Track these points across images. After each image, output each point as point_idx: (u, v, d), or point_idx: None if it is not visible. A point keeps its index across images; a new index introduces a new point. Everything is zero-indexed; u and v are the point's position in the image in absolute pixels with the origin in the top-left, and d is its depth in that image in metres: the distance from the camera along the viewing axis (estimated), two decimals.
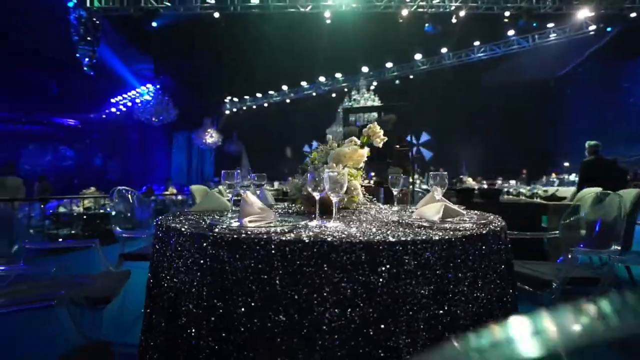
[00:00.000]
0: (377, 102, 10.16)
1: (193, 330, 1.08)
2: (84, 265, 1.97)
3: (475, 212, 1.83)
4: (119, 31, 12.51)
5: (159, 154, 21.91)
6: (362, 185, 1.79)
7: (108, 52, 15.52)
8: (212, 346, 1.04)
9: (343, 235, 1.05)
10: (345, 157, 1.83)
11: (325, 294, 0.96)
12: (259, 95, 17.66)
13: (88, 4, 9.35)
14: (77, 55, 13.67)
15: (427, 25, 9.11)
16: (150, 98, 18.75)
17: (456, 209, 1.43)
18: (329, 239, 1.00)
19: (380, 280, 0.98)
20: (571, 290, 1.65)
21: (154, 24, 9.04)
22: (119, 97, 20.21)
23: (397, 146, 4.11)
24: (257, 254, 1.01)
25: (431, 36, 9.76)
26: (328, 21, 9.15)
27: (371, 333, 0.97)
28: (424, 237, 1.05)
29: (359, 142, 2.00)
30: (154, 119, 13.71)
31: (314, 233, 1.09)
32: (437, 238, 1.05)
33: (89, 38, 12.92)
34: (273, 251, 1.00)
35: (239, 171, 1.59)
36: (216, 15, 8.76)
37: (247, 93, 17.89)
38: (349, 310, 0.96)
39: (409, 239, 1.02)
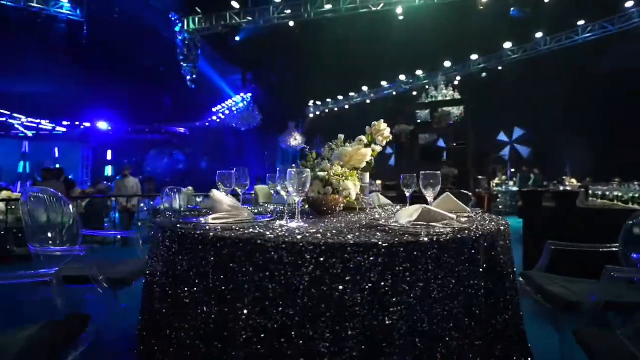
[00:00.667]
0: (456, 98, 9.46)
1: (157, 315, 1.19)
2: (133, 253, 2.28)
3: (486, 215, 1.60)
4: (212, 47, 13.94)
5: (253, 156, 23.88)
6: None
7: (207, 67, 17.47)
8: (169, 334, 1.12)
9: (271, 236, 1.03)
10: (346, 157, 1.77)
11: (247, 292, 0.97)
12: (340, 97, 17.94)
13: (186, 27, 10.64)
14: (182, 72, 15.74)
15: (512, 9, 8.13)
16: (242, 105, 20.63)
17: (443, 212, 1.28)
18: (255, 238, 1.00)
19: (303, 282, 0.95)
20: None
21: (237, 38, 9.93)
22: (219, 107, 22.47)
23: (455, 144, 3.79)
24: (197, 249, 1.07)
25: (520, 21, 8.68)
26: (400, 17, 8.84)
27: (293, 335, 0.94)
28: (358, 241, 0.97)
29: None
30: (239, 123, 14.98)
31: (253, 232, 1.10)
32: (376, 242, 0.97)
33: (190, 57, 14.79)
34: (208, 247, 1.04)
35: (233, 172, 1.68)
36: (291, 24, 9.21)
37: (329, 96, 18.31)
38: (270, 310, 0.95)
39: (336, 241, 0.96)
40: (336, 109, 18.20)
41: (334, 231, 1.14)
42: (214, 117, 23.69)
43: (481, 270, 1.10)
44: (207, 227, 1.18)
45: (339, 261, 0.95)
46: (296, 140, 17.92)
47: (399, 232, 1.12)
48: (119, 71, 17.88)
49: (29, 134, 20.92)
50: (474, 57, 12.68)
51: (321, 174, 1.59)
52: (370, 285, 0.95)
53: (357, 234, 1.10)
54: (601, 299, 1.31)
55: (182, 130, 24.74)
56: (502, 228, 1.28)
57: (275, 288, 0.95)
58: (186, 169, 24.15)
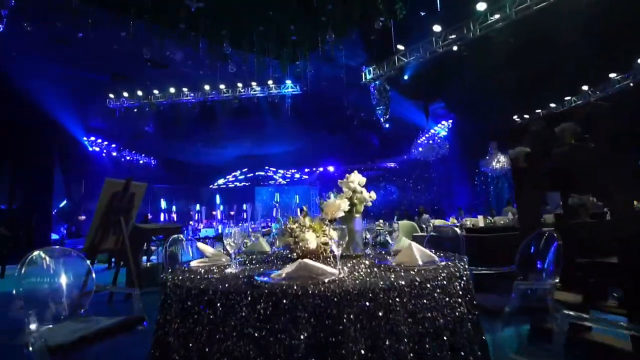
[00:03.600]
0: None
1: None
2: None
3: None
4: (398, 88, 14.81)
5: (459, 183, 22.90)
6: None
7: (399, 105, 18.53)
8: None
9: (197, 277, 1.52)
10: (326, 208, 1.99)
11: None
12: (552, 105, 15.04)
13: (363, 79, 12.04)
14: (377, 114, 17.46)
15: None
16: (445, 133, 20.49)
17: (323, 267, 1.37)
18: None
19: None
20: None
21: (405, 77, 10.36)
22: (423, 138, 23.05)
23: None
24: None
25: None
26: None
27: None
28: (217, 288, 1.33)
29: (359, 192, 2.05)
30: (427, 154, 14.95)
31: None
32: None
33: (382, 100, 16.31)
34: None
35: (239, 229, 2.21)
36: (455, 48, 8.86)
37: (537, 106, 15.69)
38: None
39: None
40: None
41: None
42: (420, 149, 24.38)
43: None
44: (185, 268, 1.79)
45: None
46: (499, 162, 16.09)
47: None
48: (333, 123, 21.66)
49: (283, 182, 28.04)
50: None
51: (292, 225, 1.91)
52: None
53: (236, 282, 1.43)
54: None
55: (392, 164, 26.78)
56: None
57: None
58: (398, 199, 25.76)
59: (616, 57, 11.38)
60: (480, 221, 4.25)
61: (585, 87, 13.85)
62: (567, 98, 14.73)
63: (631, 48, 10.76)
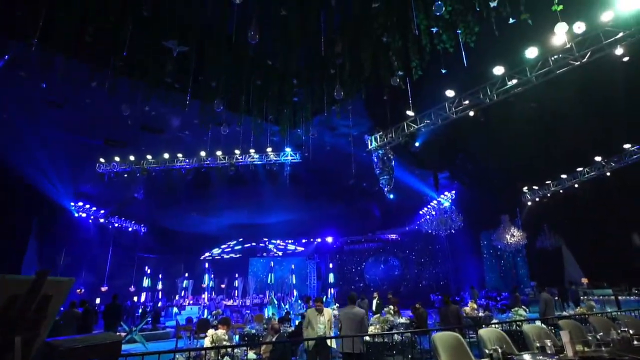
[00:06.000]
0: None
1: None
2: None
3: None
4: (403, 156, 14.22)
5: (466, 257, 21.31)
6: None
7: (405, 175, 17.82)
8: None
9: None
10: None
11: None
12: (563, 176, 14.33)
13: (369, 146, 11.34)
14: (380, 184, 16.56)
15: None
16: (449, 204, 19.42)
17: None
18: None
19: None
20: None
21: (417, 144, 9.65)
22: (425, 209, 21.96)
23: None
24: None
25: None
26: (625, 59, 6.38)
27: None
28: None
29: None
30: (438, 228, 13.77)
31: None
32: None
33: (385, 169, 15.52)
34: None
35: None
36: (471, 114, 8.23)
37: (548, 177, 14.99)
38: None
39: None
40: (561, 191, 14.44)
41: None
42: (422, 220, 23.25)
43: None
44: None
45: None
46: (514, 236, 14.85)
47: None
48: (333, 193, 20.72)
49: (279, 253, 26.23)
50: None
51: None
52: None
53: None
54: None
55: (393, 236, 25.38)
56: None
57: None
58: (401, 274, 23.90)
59: (631, 127, 10.89)
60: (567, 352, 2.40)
61: (598, 158, 13.25)
62: (579, 169, 14.08)
63: None
